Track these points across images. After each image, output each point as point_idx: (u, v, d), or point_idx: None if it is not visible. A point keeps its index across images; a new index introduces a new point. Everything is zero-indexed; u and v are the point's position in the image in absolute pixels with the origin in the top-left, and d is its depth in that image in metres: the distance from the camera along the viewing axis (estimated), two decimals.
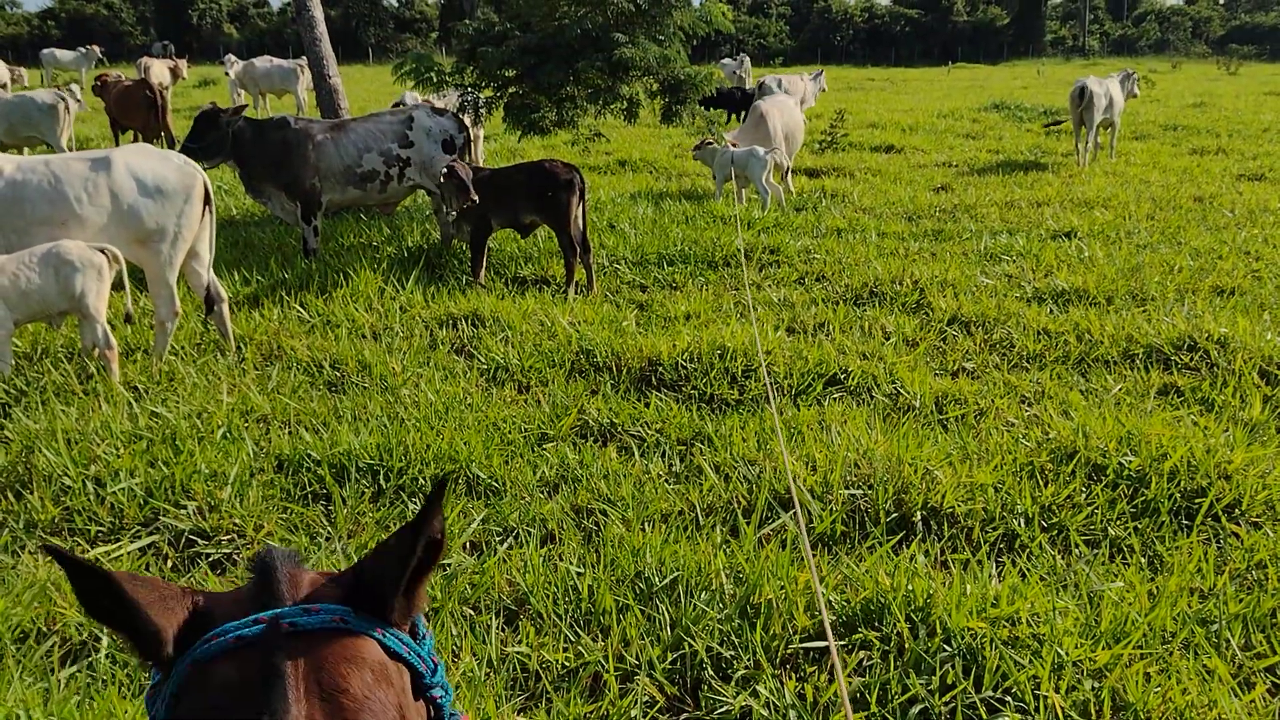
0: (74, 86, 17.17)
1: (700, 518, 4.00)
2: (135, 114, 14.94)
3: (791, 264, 8.24)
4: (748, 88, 21.55)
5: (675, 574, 3.39)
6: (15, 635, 3.26)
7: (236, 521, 3.99)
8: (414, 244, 8.53)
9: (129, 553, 3.80)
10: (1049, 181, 12.85)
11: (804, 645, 3.03)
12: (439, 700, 1.16)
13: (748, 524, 3.81)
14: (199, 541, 3.91)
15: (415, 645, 1.14)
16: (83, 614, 3.78)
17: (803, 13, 72.05)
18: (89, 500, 4.12)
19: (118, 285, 5.67)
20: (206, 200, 6.00)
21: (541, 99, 8.75)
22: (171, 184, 5.77)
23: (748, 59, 28.72)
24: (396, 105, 11.19)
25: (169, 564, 3.79)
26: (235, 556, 3.85)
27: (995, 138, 18.07)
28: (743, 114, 21.08)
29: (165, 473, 4.29)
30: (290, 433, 4.85)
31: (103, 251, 5.44)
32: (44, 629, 3.30)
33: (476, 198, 7.11)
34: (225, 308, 6.22)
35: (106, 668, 3.11)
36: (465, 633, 3.26)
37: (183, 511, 4.06)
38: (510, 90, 9.02)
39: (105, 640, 3.20)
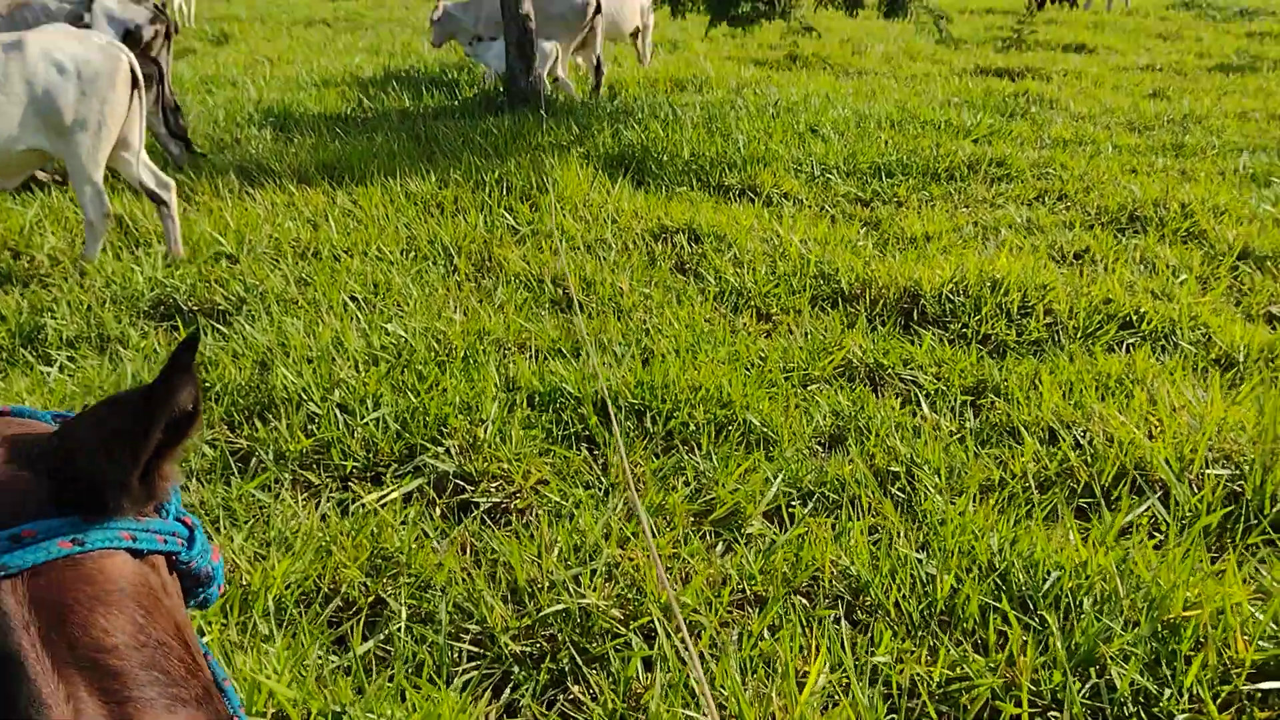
0: None
1: (1036, 494, 3.44)
2: None
3: (1023, 179, 7.43)
4: None
5: (1054, 574, 2.85)
6: (295, 596, 2.92)
7: (504, 466, 3.58)
8: (607, 145, 7.97)
9: (393, 500, 3.43)
10: (1274, 92, 11.54)
11: (1257, 687, 2.47)
12: (196, 566, 0.91)
13: (1110, 509, 3.23)
14: (466, 488, 3.52)
15: (166, 526, 0.86)
16: None
17: None
18: (340, 431, 3.76)
19: None
20: (135, 84, 5.41)
21: None
22: (94, 68, 5.11)
23: None
24: None
25: (438, 512, 3.42)
26: (508, 507, 3.45)
27: (1194, 39, 16.48)
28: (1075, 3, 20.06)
29: (414, 402, 3.91)
30: (533, 359, 4.42)
31: None
32: (328, 591, 2.95)
33: None
34: (173, 198, 5.59)
35: (406, 645, 2.74)
36: (805, 625, 2.80)
37: (442, 450, 3.67)
38: None
39: (403, 610, 2.83)
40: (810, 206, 6.90)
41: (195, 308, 4.88)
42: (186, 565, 0.90)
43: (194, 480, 3.56)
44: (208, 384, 4.15)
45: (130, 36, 7.31)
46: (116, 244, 5.75)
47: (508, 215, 6.29)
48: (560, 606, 2.84)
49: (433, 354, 4.39)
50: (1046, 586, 2.81)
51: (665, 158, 7.67)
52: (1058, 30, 16.54)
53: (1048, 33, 16.06)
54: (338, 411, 3.88)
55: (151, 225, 5.94)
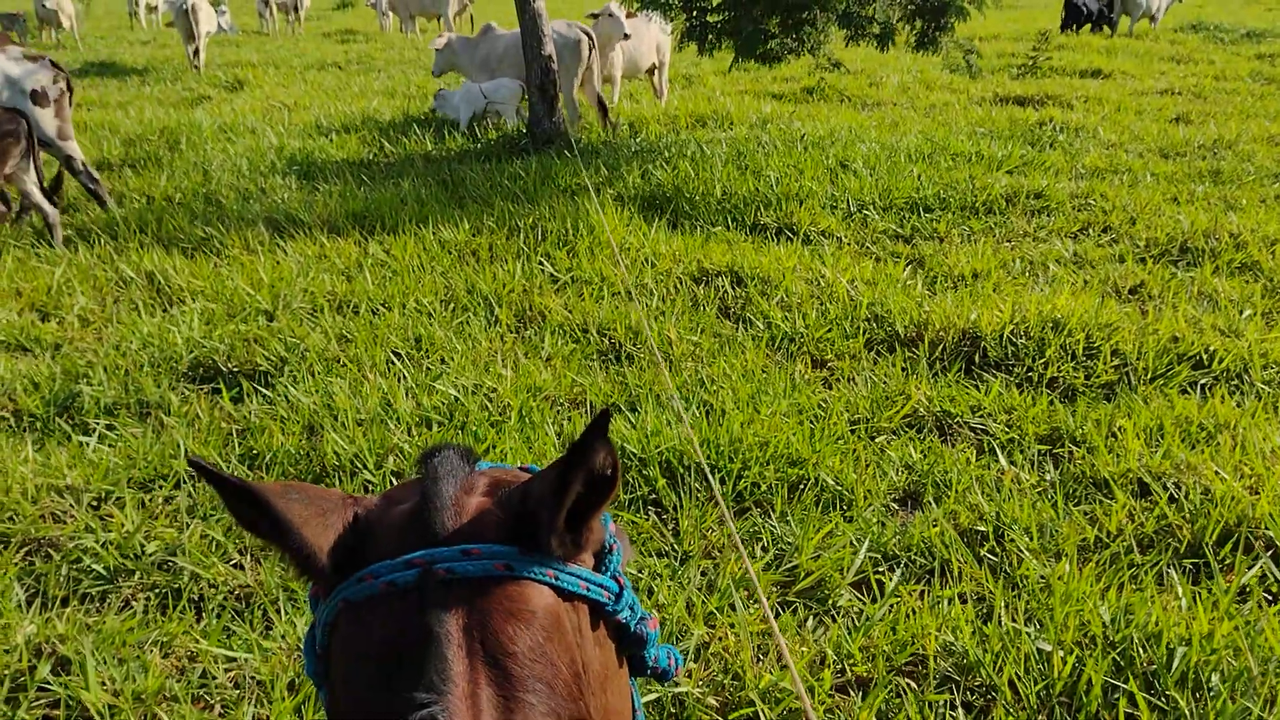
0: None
1: (1138, 554, 3.26)
2: None
3: (1064, 211, 7.29)
4: None
5: (1180, 649, 2.67)
6: None
7: None
8: (637, 185, 7.85)
9: None
10: None
11: None
12: (624, 620, 1.07)
13: (1223, 571, 3.06)
14: None
15: (594, 577, 1.02)
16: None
17: None
18: None
19: None
20: None
21: (772, 23, 7.87)
22: None
23: None
24: (593, 15, 10.44)
25: None
26: None
27: (1206, 61, 16.40)
28: (1104, 29, 20.00)
29: None
30: (589, 415, 4.27)
31: None
32: None
33: None
34: None
35: None
36: (918, 713, 2.62)
37: None
38: (741, 13, 8.14)
39: None
40: (850, 244, 6.76)
41: (236, 369, 4.73)
42: (613, 617, 1.05)
43: (248, 557, 3.42)
44: (255, 452, 4.00)
45: (38, 97, 7.20)
46: (150, 302, 5.63)
47: (546, 263, 6.15)
48: (653, 696, 2.67)
49: (486, 414, 4.24)
50: (1174, 663, 2.63)
51: (698, 197, 7.55)
52: (1071, 56, 16.45)
53: (1061, 59, 15.98)
54: (394, 481, 3.73)
55: (184, 282, 5.81)
